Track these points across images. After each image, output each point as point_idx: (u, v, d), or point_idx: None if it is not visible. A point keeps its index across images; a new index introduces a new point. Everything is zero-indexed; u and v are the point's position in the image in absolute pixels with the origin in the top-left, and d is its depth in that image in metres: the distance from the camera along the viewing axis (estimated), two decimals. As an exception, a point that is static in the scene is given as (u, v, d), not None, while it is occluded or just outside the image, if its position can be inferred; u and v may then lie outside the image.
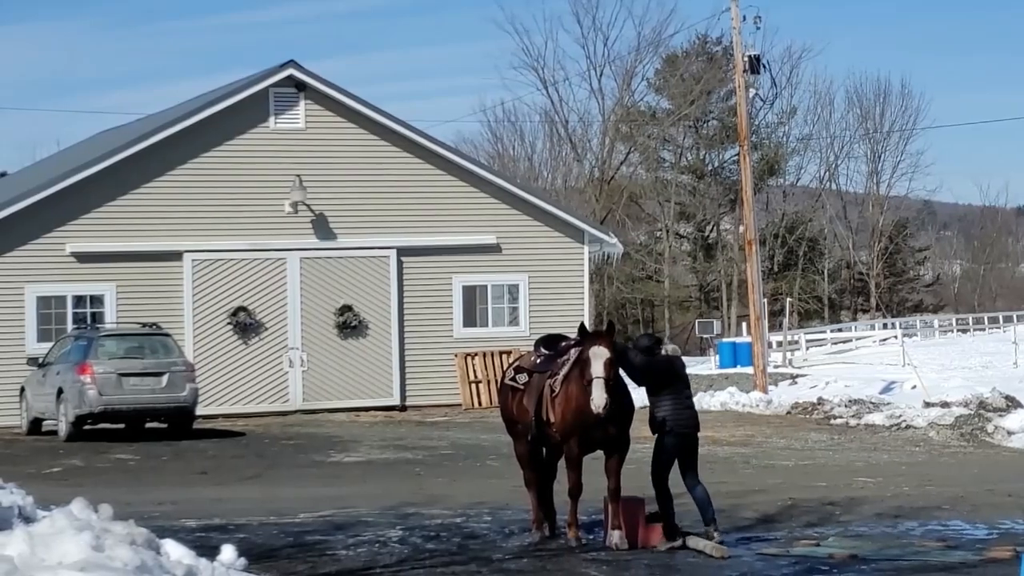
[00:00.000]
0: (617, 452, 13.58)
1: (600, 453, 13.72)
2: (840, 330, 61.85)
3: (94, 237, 31.39)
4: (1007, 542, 13.81)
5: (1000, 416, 27.86)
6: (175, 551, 10.18)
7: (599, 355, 13.15)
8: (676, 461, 13.78)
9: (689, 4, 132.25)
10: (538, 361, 14.13)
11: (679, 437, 13.70)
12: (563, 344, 14.11)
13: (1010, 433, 26.70)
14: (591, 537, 13.96)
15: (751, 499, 17.22)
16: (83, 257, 31.20)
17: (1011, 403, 29.34)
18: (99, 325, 29.47)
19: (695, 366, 43.60)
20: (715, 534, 13.52)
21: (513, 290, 34.48)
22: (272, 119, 32.80)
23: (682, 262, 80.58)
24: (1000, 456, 24.59)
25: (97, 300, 31.31)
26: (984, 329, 71.10)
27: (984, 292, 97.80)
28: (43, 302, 31.08)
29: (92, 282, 31.30)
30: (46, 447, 25.66)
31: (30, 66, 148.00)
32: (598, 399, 12.99)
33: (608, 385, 13.06)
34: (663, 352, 14.05)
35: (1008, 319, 70.76)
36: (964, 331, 70.96)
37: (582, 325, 13.87)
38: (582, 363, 13.27)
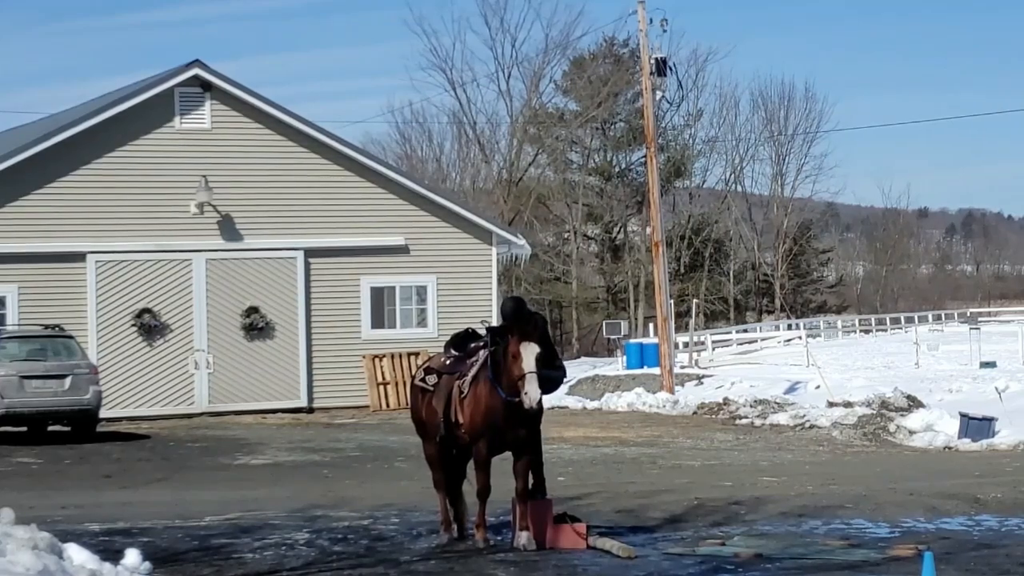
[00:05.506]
0: (526, 454, 13.57)
1: (509, 454, 13.72)
2: (745, 331, 62.35)
3: (-5, 238, 30.97)
4: (909, 540, 14.01)
5: (902, 416, 28.25)
6: (78, 555, 10.09)
7: (531, 350, 13.03)
8: None
9: (596, 7, 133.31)
10: (448, 362, 14.10)
11: None
12: (472, 345, 14.05)
13: (912, 432, 27.08)
14: (499, 538, 13.97)
15: (658, 499, 17.33)
16: (-16, 258, 30.74)
17: (912, 403, 29.74)
18: (0, 327, 29.03)
19: (603, 367, 43.79)
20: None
21: (421, 291, 34.44)
22: (177, 119, 32.49)
23: (590, 263, 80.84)
24: (902, 455, 24.92)
25: (-2, 301, 30.86)
26: (886, 330, 72.17)
27: (886, 293, 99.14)
28: (-56, 304, 30.61)
29: (-7, 283, 30.85)
30: (-54, 451, 25.25)
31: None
32: (533, 393, 12.91)
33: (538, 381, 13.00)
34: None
35: (909, 320, 71.85)
36: (867, 332, 71.92)
37: (510, 323, 13.44)
38: (511, 357, 13.10)
